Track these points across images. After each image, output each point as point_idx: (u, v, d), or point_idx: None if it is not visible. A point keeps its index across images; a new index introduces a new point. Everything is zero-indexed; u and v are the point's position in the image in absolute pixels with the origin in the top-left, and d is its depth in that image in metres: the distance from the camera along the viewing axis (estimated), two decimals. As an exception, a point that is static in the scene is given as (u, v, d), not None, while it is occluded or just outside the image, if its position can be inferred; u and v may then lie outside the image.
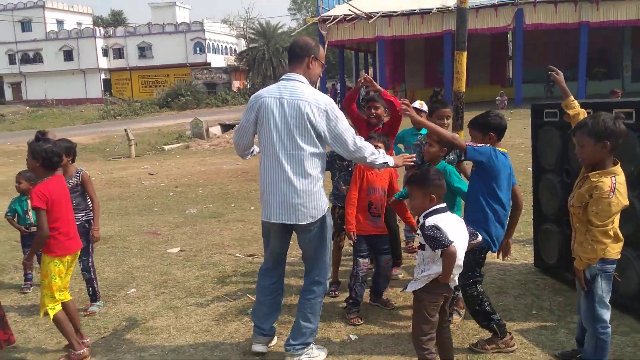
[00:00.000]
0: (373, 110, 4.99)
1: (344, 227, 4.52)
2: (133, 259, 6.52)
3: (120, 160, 20.07)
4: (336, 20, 27.00)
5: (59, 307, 3.99)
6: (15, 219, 5.51)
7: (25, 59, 57.24)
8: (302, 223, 3.57)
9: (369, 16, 26.42)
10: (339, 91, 33.59)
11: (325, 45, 27.48)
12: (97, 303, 5.00)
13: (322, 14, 28.15)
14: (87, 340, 4.24)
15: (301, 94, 3.49)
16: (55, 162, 3.95)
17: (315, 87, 3.68)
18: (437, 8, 25.59)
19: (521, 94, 25.42)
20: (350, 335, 4.15)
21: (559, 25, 24.78)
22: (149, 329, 4.49)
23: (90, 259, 4.93)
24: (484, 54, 30.26)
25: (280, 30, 53.79)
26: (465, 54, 4.60)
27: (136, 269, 6.13)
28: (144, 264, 6.29)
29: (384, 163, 3.67)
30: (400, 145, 5.82)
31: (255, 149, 3.94)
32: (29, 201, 5.46)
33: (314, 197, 3.56)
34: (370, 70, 40.17)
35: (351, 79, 44.19)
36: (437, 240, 3.04)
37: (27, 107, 50.09)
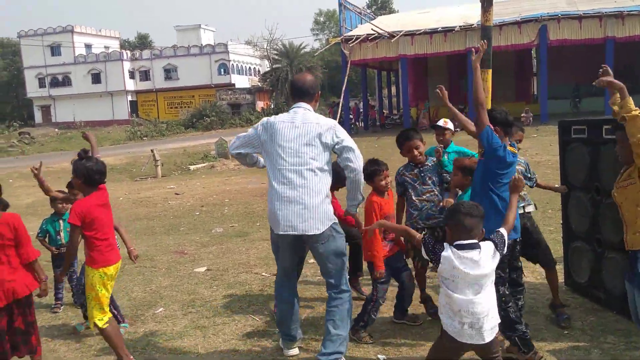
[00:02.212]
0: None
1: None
2: (161, 278, 6.58)
3: (146, 181, 20.33)
4: (359, 39, 27.16)
5: (107, 318, 4.06)
6: (47, 240, 5.61)
7: (55, 83, 58.60)
8: (309, 233, 3.79)
9: (391, 35, 26.55)
10: (361, 110, 33.68)
11: (348, 65, 27.67)
12: (123, 325, 5.01)
13: (344, 34, 28.34)
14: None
15: (312, 118, 3.95)
16: (96, 179, 4.07)
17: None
18: (460, 26, 25.61)
19: (547, 110, 25.20)
20: (379, 356, 4.12)
21: (584, 41, 24.56)
22: (177, 348, 4.52)
23: None
24: (508, 71, 30.09)
25: (303, 51, 54.26)
26: (490, 71, 4.57)
27: (164, 288, 6.18)
28: (171, 283, 6.34)
29: (363, 199, 4.10)
30: None
31: (260, 160, 4.28)
32: (61, 222, 5.58)
33: (320, 209, 3.80)
34: (394, 89, 40.23)
35: (374, 97, 44.29)
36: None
37: (56, 130, 51.12)
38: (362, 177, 3.91)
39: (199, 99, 53.97)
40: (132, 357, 4.25)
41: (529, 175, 4.64)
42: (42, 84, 59.03)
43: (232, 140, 4.24)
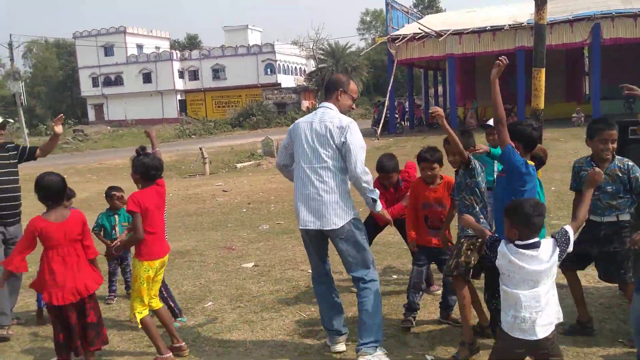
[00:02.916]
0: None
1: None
2: (210, 273, 6.72)
3: (195, 178, 20.73)
4: (405, 39, 26.97)
5: (146, 312, 4.20)
6: (102, 234, 5.81)
7: (107, 82, 60.32)
8: (327, 228, 3.99)
9: (439, 34, 26.25)
10: (407, 109, 33.40)
11: (394, 64, 27.51)
12: (180, 319, 5.11)
13: (391, 33, 28.20)
14: (183, 344, 4.41)
15: (328, 117, 4.04)
16: (152, 174, 4.24)
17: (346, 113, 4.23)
18: (509, 25, 25.12)
19: (599, 110, 24.43)
20: (427, 356, 4.11)
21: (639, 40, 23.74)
22: (227, 342, 4.61)
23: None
24: (559, 70, 29.31)
25: (349, 50, 54.26)
26: (543, 70, 4.51)
27: (212, 282, 6.31)
28: (219, 278, 6.47)
29: (374, 201, 4.06)
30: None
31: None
32: (116, 217, 5.77)
33: (337, 205, 3.99)
34: (440, 88, 39.77)
35: (419, 97, 43.90)
36: None
37: (109, 127, 52.66)
38: (364, 183, 3.96)
39: (245, 98, 54.63)
40: (183, 343, 4.38)
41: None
42: (95, 83, 60.86)
43: (277, 158, 4.54)
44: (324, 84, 4.30)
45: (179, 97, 59.02)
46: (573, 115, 24.42)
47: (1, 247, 5.06)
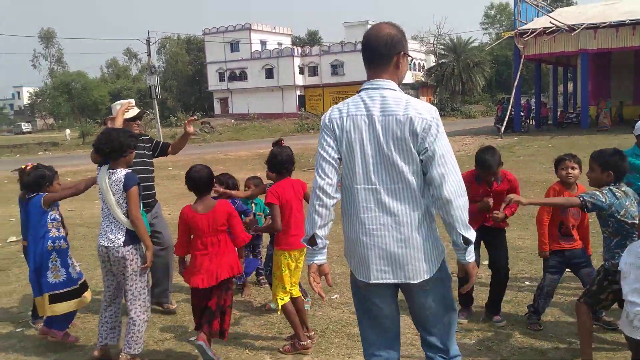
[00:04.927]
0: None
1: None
2: (334, 265, 6.82)
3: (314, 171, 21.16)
4: (534, 33, 25.73)
5: (287, 298, 4.37)
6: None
7: (233, 77, 63.09)
8: (415, 281, 2.67)
9: (571, 28, 24.77)
10: (533, 107, 31.89)
11: (522, 60, 26.34)
12: (307, 299, 5.25)
13: (519, 27, 27.00)
14: (312, 333, 4.55)
15: (396, 106, 2.59)
16: (283, 167, 4.40)
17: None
18: (653, 17, 23.16)
19: None
20: None
21: None
22: (354, 335, 4.65)
23: None
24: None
25: (471, 45, 52.77)
26: None
27: (338, 275, 6.41)
28: (344, 271, 6.54)
29: (467, 244, 2.62)
30: None
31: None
32: (253, 205, 6.02)
33: (427, 242, 2.65)
34: (570, 85, 37.55)
35: (546, 94, 41.73)
36: None
37: (232, 120, 55.08)
38: (456, 209, 2.57)
39: (363, 94, 54.85)
40: (312, 332, 4.51)
41: None
42: (221, 78, 63.86)
43: (314, 183, 2.98)
44: (366, 47, 2.73)
45: (298, 92, 60.43)
46: None
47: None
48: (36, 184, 4.69)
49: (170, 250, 5.48)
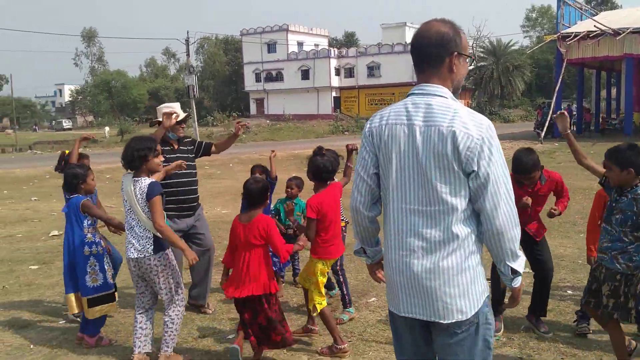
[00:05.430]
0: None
1: None
2: (371, 269, 6.78)
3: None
4: (577, 37, 25.17)
5: (324, 303, 4.36)
6: (277, 218, 6.07)
7: (269, 78, 63.51)
8: (445, 321, 2.29)
9: (616, 32, 24.14)
10: (574, 112, 31.20)
11: (564, 64, 25.81)
12: (348, 310, 5.18)
13: (561, 30, 26.46)
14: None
15: (442, 116, 2.25)
16: (323, 176, 4.38)
17: (458, 95, 2.46)
18: (703, 21, 22.42)
19: None
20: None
21: None
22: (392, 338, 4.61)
23: (338, 262, 5.13)
24: None
25: (511, 48, 51.99)
26: None
27: (375, 278, 6.35)
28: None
29: (515, 275, 2.33)
30: None
31: None
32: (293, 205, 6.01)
33: (463, 278, 2.28)
34: (613, 91, 36.62)
35: (588, 100, 40.81)
36: None
37: (267, 121, 55.43)
38: (508, 242, 2.25)
39: (398, 96, 54.53)
40: (344, 341, 4.45)
41: None
42: (258, 79, 64.34)
43: (352, 201, 2.69)
44: (415, 47, 2.39)
45: (333, 93, 60.46)
46: None
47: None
48: (71, 184, 4.76)
49: (211, 252, 5.55)
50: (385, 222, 2.44)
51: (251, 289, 4.02)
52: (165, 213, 4.19)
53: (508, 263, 2.29)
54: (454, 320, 2.27)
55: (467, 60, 2.41)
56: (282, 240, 4.17)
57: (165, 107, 5.39)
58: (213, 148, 5.65)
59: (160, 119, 5.23)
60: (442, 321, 2.28)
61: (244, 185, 4.20)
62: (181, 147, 5.38)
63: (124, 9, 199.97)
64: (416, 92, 2.37)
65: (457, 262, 2.25)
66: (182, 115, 5.33)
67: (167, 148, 5.20)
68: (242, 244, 4.08)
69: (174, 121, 5.10)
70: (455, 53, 2.33)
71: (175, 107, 5.45)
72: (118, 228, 4.88)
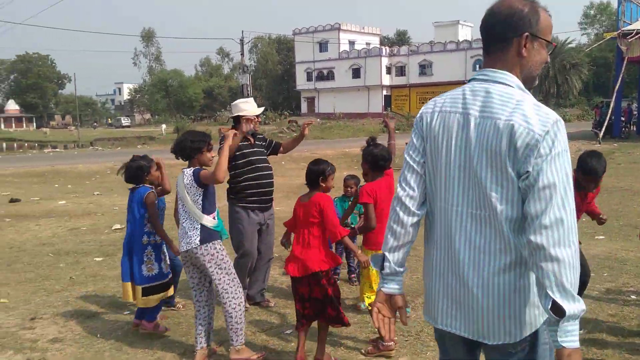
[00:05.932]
0: None
1: None
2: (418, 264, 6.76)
3: (397, 172, 21.03)
4: (639, 34, 24.26)
5: (373, 297, 4.36)
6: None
7: (320, 76, 63.80)
8: (491, 342, 2.00)
9: (682, 29, 23.18)
10: (634, 112, 30.06)
11: (624, 62, 24.93)
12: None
13: (622, 27, 25.56)
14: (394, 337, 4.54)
15: (501, 107, 1.92)
16: (380, 165, 4.43)
17: (532, 88, 2.09)
18: None
19: None
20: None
21: None
22: (449, 339, 4.61)
23: None
24: None
25: (568, 46, 50.50)
26: None
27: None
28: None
29: (562, 316, 1.74)
30: None
31: None
32: (350, 204, 6.09)
33: (513, 295, 1.94)
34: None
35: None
36: None
37: (318, 119, 55.68)
38: (556, 263, 1.76)
39: (451, 95, 53.85)
40: (394, 339, 4.43)
41: None
42: (309, 78, 64.74)
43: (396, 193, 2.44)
44: (483, 22, 2.05)
45: (384, 92, 60.19)
46: None
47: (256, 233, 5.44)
48: (136, 176, 4.93)
49: (271, 261, 5.80)
50: (429, 222, 2.16)
51: (309, 267, 4.06)
52: (246, 205, 4.57)
53: (550, 293, 1.76)
54: (499, 343, 1.98)
55: (547, 46, 2.03)
56: (337, 219, 4.17)
57: (242, 102, 5.54)
58: (281, 148, 5.80)
59: (235, 114, 5.42)
60: (486, 342, 2.01)
61: (308, 165, 4.27)
62: (257, 142, 5.55)
63: (181, 9, 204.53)
64: (478, 77, 2.05)
65: (508, 279, 1.93)
66: (258, 110, 5.49)
67: (246, 143, 5.42)
68: (301, 223, 4.17)
69: (252, 126, 5.32)
70: (527, 34, 1.96)
71: (250, 101, 5.59)
72: (169, 245, 4.94)
